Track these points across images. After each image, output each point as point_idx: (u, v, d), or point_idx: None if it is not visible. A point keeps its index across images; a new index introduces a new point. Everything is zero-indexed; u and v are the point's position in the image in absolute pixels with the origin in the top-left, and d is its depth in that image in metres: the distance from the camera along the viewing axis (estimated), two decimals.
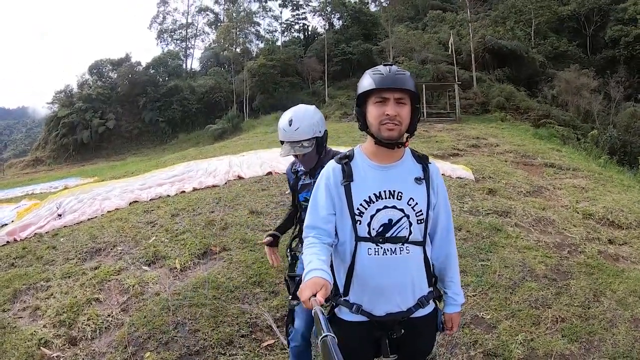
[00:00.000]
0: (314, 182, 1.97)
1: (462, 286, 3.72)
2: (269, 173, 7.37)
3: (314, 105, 2.25)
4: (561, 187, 6.97)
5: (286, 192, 1.92)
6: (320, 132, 2.13)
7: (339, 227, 1.54)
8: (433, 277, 1.62)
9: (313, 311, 1.18)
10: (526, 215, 5.30)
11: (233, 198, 6.03)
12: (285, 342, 2.58)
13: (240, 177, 7.25)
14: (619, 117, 21.28)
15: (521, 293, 3.52)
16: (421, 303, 1.55)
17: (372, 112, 1.47)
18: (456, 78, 22.10)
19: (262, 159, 8.49)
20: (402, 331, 1.54)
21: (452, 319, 1.68)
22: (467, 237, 4.59)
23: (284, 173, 7.18)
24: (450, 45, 22.80)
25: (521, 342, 2.88)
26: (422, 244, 1.53)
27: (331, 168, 1.56)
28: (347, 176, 1.51)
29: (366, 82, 1.47)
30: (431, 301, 1.60)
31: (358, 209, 1.49)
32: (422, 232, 1.53)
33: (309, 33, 40.27)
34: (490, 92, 22.57)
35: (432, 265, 1.63)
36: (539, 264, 4.00)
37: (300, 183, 2.26)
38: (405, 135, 1.52)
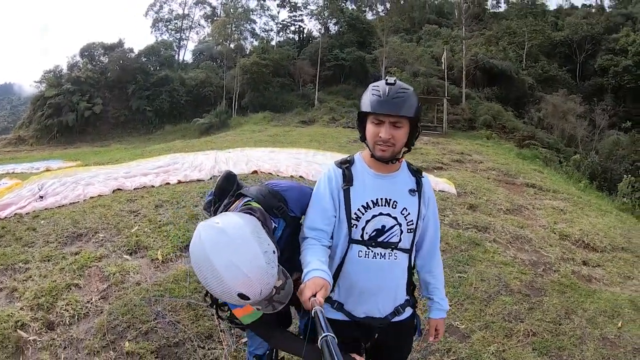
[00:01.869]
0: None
1: None
2: (255, 172, 7.37)
3: (222, 225, 1.30)
4: (540, 208, 7.17)
5: None
6: (274, 250, 1.31)
7: (335, 229, 1.58)
8: (412, 285, 1.68)
9: (313, 311, 1.21)
10: (504, 232, 5.44)
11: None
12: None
13: None
14: (602, 144, 21.86)
15: (495, 306, 3.63)
16: (397, 311, 1.62)
17: (369, 130, 1.53)
18: (446, 93, 22.52)
19: (248, 157, 8.46)
20: (376, 336, 1.61)
21: (437, 324, 1.73)
22: (446, 249, 4.69)
23: (269, 173, 7.24)
24: (443, 60, 23.22)
25: (493, 353, 2.98)
26: (408, 251, 1.60)
27: (333, 171, 1.61)
28: (348, 180, 1.56)
29: (365, 100, 1.50)
30: (408, 308, 1.66)
31: (355, 213, 1.54)
32: (410, 240, 1.60)
33: (304, 35, 40.32)
34: (478, 110, 23.06)
35: (418, 272, 1.71)
36: (514, 280, 4.13)
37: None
38: (403, 150, 1.57)
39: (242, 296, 1.25)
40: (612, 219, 7.17)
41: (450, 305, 3.56)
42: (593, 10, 42.08)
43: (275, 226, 1.52)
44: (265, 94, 29.44)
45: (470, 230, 5.36)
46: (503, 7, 45.37)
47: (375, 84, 1.52)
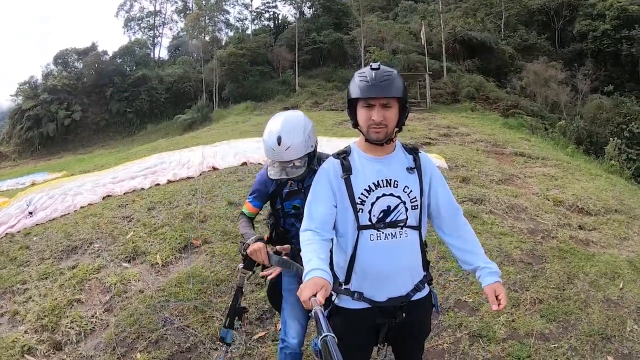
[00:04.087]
0: (305, 187, 1.96)
1: (443, 272, 3.83)
2: (244, 163, 7.30)
3: (301, 113, 1.99)
4: (531, 176, 7.24)
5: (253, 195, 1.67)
6: (312, 146, 1.91)
7: (340, 219, 1.59)
8: (427, 261, 1.69)
9: (313, 311, 1.22)
10: (500, 203, 5.47)
11: (209, 189, 5.93)
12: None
13: (214, 168, 7.13)
14: (586, 108, 22.10)
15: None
16: (417, 287, 1.63)
17: (361, 115, 1.56)
18: (427, 68, 22.41)
19: (235, 149, 8.36)
20: (404, 315, 1.61)
21: (495, 289, 1.57)
22: None
23: (259, 163, 7.16)
24: (421, 36, 23.07)
25: (503, 323, 3.02)
26: (417, 228, 1.62)
27: (331, 163, 1.64)
28: (347, 169, 1.59)
29: (353, 88, 1.54)
30: (426, 284, 1.68)
31: (359, 197, 1.56)
32: (417, 217, 1.62)
33: (279, 22, 39.66)
34: (460, 82, 23.02)
35: (448, 243, 1.70)
36: (514, 249, 4.17)
37: (286, 190, 2.04)
38: (395, 130, 1.59)
39: (278, 140, 1.83)
40: (603, 182, 7.28)
41: (455, 280, 3.62)
42: None
43: (316, 168, 1.86)
44: (245, 84, 29.03)
45: (466, 203, 5.38)
46: None
47: (360, 70, 1.56)
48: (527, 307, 3.23)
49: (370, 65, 1.54)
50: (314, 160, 1.95)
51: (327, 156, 1.90)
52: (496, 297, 1.56)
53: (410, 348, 1.75)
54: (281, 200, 2.07)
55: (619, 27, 27.84)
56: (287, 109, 22.81)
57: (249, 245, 1.92)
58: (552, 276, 3.68)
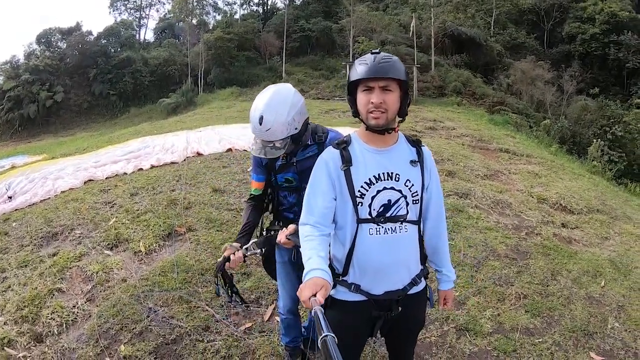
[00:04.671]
0: (297, 161, 2.00)
1: (427, 265, 3.89)
2: (229, 150, 7.20)
3: (292, 89, 1.92)
4: (516, 172, 7.33)
5: (248, 170, 1.74)
6: (297, 128, 1.88)
7: (340, 211, 1.56)
8: (425, 255, 1.70)
9: (313, 311, 1.21)
10: (485, 198, 5.52)
11: (194, 176, 5.83)
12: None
13: (199, 154, 7.02)
14: (570, 109, 22.41)
15: (485, 271, 3.71)
16: (414, 281, 1.63)
17: (360, 100, 1.52)
18: (415, 61, 22.39)
19: (220, 135, 8.24)
20: (400, 309, 1.61)
21: (446, 295, 1.79)
22: None
23: (245, 150, 7.06)
24: (412, 29, 22.98)
25: (489, 317, 3.06)
26: (417, 223, 1.61)
27: (330, 154, 1.59)
28: (347, 161, 1.55)
29: (353, 72, 1.52)
30: (422, 278, 1.68)
31: (359, 190, 1.53)
32: (417, 212, 1.60)
33: (268, 7, 39.16)
34: (447, 77, 23.09)
35: (425, 244, 1.71)
36: (500, 244, 4.22)
37: (278, 163, 2.06)
38: (398, 119, 1.57)
39: (260, 120, 1.81)
40: (585, 181, 7.44)
41: None
42: None
43: (309, 144, 2.00)
44: (231, 69, 28.58)
45: (452, 197, 5.41)
46: None
47: (360, 57, 1.54)
48: (512, 301, 3.28)
49: (371, 51, 1.53)
50: (302, 137, 1.95)
51: (323, 130, 2.03)
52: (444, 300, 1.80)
53: (404, 341, 1.77)
54: (274, 172, 2.08)
55: (608, 31, 28.34)
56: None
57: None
58: (536, 272, 3.74)
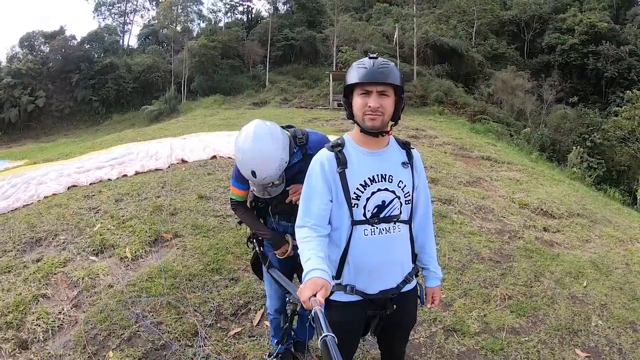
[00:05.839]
0: (285, 170, 2.00)
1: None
2: (214, 157, 7.18)
3: (268, 129, 1.90)
4: (498, 179, 7.49)
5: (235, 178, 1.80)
6: (286, 161, 1.93)
7: (335, 213, 1.58)
8: (415, 254, 1.75)
9: (313, 311, 1.22)
10: (468, 204, 5.64)
11: (179, 182, 5.78)
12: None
13: (183, 161, 6.97)
14: (550, 117, 23.14)
15: (470, 274, 3.79)
16: (407, 279, 1.68)
17: (357, 103, 1.55)
18: None
19: (204, 143, 8.20)
20: (394, 307, 1.65)
21: (434, 292, 1.81)
22: None
23: (230, 157, 7.04)
24: (395, 38, 23.37)
25: (476, 318, 3.13)
26: (408, 222, 1.65)
27: (325, 156, 1.60)
28: (342, 163, 1.57)
29: (351, 75, 1.54)
30: (414, 276, 1.73)
31: (355, 193, 1.56)
32: (408, 212, 1.65)
33: (253, 16, 39.36)
34: (429, 86, 23.55)
35: (414, 242, 1.74)
36: (483, 248, 4.32)
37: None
38: (390, 123, 1.61)
39: (253, 173, 1.86)
40: (566, 187, 7.65)
41: None
42: None
43: (295, 151, 2.01)
44: (215, 77, 28.60)
45: (435, 203, 5.50)
46: None
47: (358, 60, 1.56)
48: (497, 302, 3.36)
49: (369, 55, 1.56)
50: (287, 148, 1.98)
51: (302, 132, 2.07)
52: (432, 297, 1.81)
53: (398, 338, 1.80)
54: None
55: (587, 42, 29.44)
56: (256, 104, 22.74)
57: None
58: (520, 274, 3.83)
